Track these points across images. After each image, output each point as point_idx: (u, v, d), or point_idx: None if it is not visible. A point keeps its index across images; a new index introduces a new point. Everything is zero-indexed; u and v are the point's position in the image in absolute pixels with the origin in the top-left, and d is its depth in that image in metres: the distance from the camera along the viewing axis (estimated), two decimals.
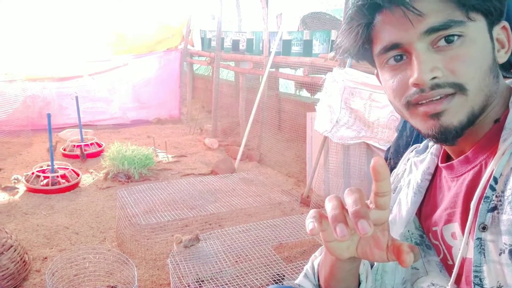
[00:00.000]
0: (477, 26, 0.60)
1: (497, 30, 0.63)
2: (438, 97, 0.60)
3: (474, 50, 0.59)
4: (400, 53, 0.63)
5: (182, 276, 1.95)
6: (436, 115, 0.60)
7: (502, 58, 0.64)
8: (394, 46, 0.62)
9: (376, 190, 0.52)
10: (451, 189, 0.69)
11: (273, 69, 4.27)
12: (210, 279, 1.99)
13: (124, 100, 5.92)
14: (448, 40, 0.59)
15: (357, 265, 0.69)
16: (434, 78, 0.59)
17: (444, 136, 0.61)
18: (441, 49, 0.60)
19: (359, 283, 0.73)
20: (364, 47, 0.68)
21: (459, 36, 0.59)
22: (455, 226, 0.67)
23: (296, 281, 0.80)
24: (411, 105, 0.63)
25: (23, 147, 4.67)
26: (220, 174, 3.59)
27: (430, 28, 0.59)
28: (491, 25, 0.62)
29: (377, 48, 0.65)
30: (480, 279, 0.59)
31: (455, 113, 0.60)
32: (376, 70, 0.72)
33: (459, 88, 0.59)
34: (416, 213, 0.76)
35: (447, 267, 0.71)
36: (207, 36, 5.79)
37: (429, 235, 0.74)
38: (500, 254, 0.57)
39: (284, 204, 3.17)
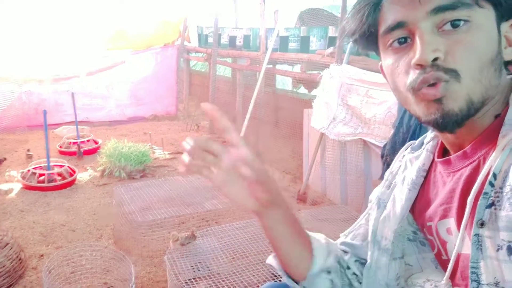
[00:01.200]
0: (485, 13, 0.59)
1: (506, 28, 0.63)
2: (434, 81, 0.59)
3: (478, 38, 0.59)
4: (404, 36, 0.62)
5: (179, 273, 1.95)
6: (438, 100, 0.60)
7: (509, 55, 0.63)
8: (399, 25, 0.62)
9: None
10: (447, 184, 0.68)
11: (270, 66, 4.26)
12: (208, 276, 1.99)
13: (121, 96, 5.89)
14: (454, 24, 0.59)
15: (284, 230, 0.75)
16: (435, 59, 0.58)
17: (446, 121, 0.61)
18: (445, 32, 0.59)
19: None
20: (370, 30, 0.67)
21: (465, 21, 0.58)
22: (451, 222, 0.67)
23: (267, 261, 0.84)
24: (416, 90, 0.62)
25: (19, 144, 4.65)
26: None
27: (437, 7, 0.58)
28: (499, 18, 0.61)
29: (382, 28, 0.65)
30: (477, 275, 0.59)
31: (454, 99, 0.59)
32: (380, 62, 0.71)
33: (454, 75, 0.58)
34: (410, 210, 0.76)
35: (441, 262, 0.71)
36: (204, 32, 5.77)
37: (424, 230, 0.74)
38: (497, 250, 0.57)
39: None
